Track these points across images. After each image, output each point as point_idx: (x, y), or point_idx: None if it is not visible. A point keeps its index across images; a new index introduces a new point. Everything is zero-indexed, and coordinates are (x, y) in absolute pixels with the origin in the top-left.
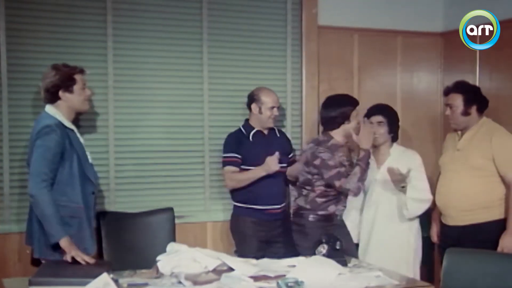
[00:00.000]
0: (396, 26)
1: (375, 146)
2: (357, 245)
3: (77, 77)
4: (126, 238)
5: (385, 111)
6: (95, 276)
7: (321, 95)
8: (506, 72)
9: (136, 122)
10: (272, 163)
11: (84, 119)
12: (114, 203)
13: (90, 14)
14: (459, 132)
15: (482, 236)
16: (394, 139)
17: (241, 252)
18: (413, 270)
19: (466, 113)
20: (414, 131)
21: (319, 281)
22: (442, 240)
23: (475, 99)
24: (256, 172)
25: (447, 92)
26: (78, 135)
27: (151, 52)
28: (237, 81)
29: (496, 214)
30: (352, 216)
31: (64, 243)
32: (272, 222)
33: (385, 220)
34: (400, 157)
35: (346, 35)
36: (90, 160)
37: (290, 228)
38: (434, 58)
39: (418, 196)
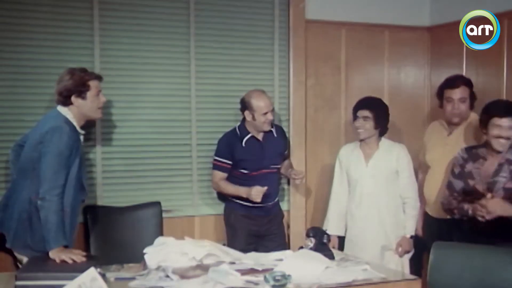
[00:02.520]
0: (383, 21)
1: (361, 140)
2: (342, 238)
3: (92, 83)
4: (113, 233)
5: (372, 105)
6: (82, 270)
7: (308, 90)
8: (493, 67)
9: (123, 116)
10: (256, 195)
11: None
12: (101, 197)
13: (77, 8)
14: (447, 126)
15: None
16: (382, 133)
17: (232, 245)
18: (401, 264)
19: (472, 106)
20: (401, 125)
21: (307, 275)
22: (428, 231)
23: (473, 93)
24: (238, 191)
25: (458, 84)
26: (82, 141)
27: (138, 46)
28: (225, 75)
29: None
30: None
31: (54, 253)
32: (264, 217)
33: (376, 215)
34: (389, 151)
35: (334, 30)
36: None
37: (282, 222)
38: (421, 53)
39: (414, 196)
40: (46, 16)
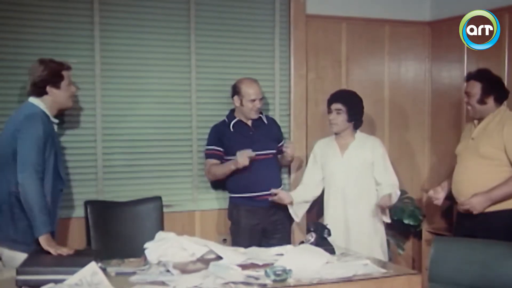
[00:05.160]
0: (384, 15)
1: (336, 134)
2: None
3: (65, 73)
4: (114, 227)
5: (344, 99)
6: (83, 265)
7: (309, 84)
8: (493, 61)
9: (124, 111)
10: (241, 158)
11: (71, 109)
12: (102, 192)
13: (77, 2)
14: (476, 121)
15: (495, 225)
16: (357, 126)
17: (236, 241)
18: (383, 255)
19: (482, 102)
20: (401, 120)
21: (307, 270)
22: (457, 229)
23: (493, 89)
24: (227, 166)
25: (468, 78)
26: (56, 129)
27: (138, 40)
28: (225, 70)
29: (508, 203)
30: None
31: (44, 239)
32: (267, 210)
33: (354, 207)
34: (363, 144)
35: (334, 24)
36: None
37: (287, 219)
38: (422, 47)
39: (395, 182)
40: (46, 10)
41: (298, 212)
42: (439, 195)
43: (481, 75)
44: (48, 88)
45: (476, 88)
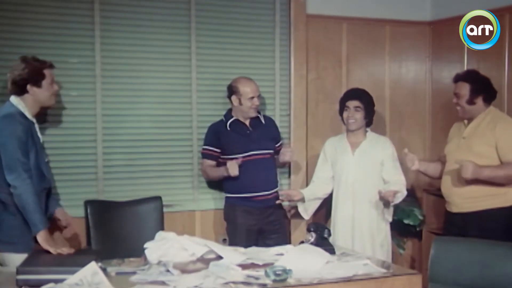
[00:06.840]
0: (384, 15)
1: (349, 132)
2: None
3: (47, 72)
4: (114, 227)
5: (362, 96)
6: (83, 264)
7: (309, 84)
8: (494, 61)
9: (124, 111)
10: (231, 168)
11: (72, 108)
12: (102, 192)
13: (78, 2)
14: (465, 121)
15: (487, 224)
16: (369, 124)
17: (232, 242)
18: (387, 254)
19: (471, 102)
20: (402, 120)
21: (307, 269)
22: (447, 228)
23: (482, 89)
24: (219, 172)
25: (456, 79)
26: (38, 129)
27: (139, 40)
28: (226, 70)
29: (501, 201)
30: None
31: (42, 236)
32: (264, 210)
33: (362, 204)
34: (374, 143)
35: (335, 24)
36: (46, 159)
37: (284, 220)
38: (422, 47)
39: (403, 181)
40: (47, 10)
41: (308, 209)
42: (415, 162)
43: (469, 76)
44: (28, 87)
45: (465, 89)
